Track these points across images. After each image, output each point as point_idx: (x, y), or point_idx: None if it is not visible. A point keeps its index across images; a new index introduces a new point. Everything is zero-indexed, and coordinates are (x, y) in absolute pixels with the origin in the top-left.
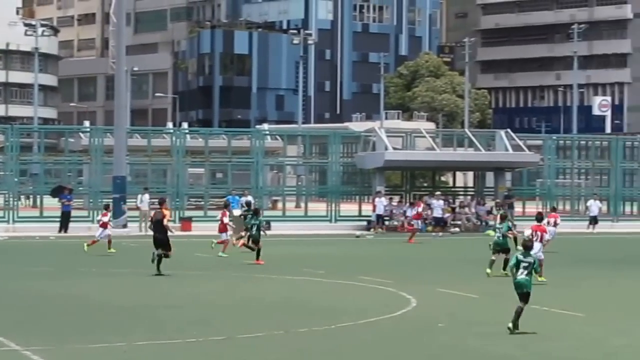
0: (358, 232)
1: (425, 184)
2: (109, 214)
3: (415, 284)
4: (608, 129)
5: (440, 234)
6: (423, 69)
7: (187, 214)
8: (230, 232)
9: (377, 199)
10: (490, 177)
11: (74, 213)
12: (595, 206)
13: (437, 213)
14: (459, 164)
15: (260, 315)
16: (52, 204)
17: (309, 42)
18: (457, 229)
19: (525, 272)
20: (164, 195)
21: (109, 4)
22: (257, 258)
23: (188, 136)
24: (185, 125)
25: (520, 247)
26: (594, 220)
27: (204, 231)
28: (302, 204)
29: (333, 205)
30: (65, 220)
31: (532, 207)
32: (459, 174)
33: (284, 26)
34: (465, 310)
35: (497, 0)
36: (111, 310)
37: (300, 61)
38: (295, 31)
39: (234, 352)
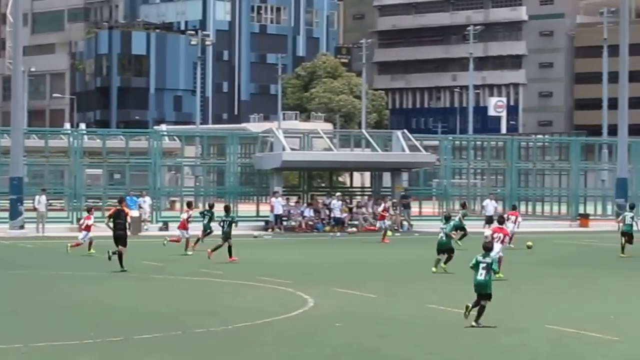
0: (256, 233)
1: (323, 185)
2: (92, 217)
3: (314, 284)
4: (503, 130)
5: (339, 233)
6: (320, 70)
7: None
8: (189, 231)
9: (274, 200)
10: (387, 177)
11: None
12: (491, 206)
13: (336, 213)
14: (356, 164)
15: (157, 316)
16: None
17: (207, 43)
18: (354, 229)
19: (484, 272)
20: (61, 195)
21: (6, 4)
22: (230, 255)
23: (86, 137)
24: (82, 126)
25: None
26: (489, 220)
27: (102, 232)
28: (200, 205)
29: (231, 205)
30: None
31: (429, 207)
32: (356, 174)
33: (182, 27)
34: (362, 310)
35: (393, 1)
36: (7, 312)
37: (198, 62)
38: (192, 32)
39: (131, 353)
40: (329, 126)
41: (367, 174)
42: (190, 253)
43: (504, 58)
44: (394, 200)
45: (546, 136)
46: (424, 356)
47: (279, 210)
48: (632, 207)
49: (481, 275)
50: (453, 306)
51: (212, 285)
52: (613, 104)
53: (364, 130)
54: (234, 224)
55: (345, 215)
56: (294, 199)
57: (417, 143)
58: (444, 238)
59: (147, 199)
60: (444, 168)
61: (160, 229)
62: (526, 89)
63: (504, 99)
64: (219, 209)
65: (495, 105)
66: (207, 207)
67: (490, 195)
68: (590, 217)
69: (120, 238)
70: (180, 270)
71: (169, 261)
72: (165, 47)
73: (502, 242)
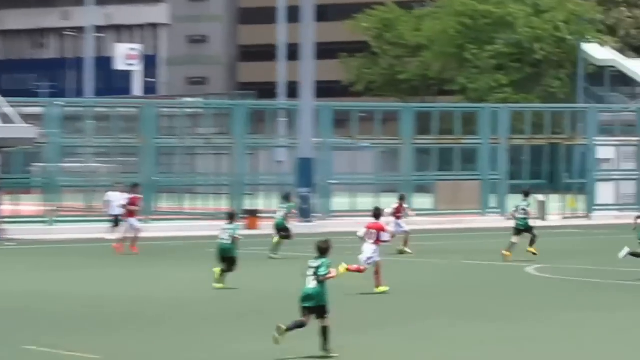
0: None
1: None
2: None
3: None
4: (137, 91)
5: None
6: None
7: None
8: None
9: None
10: None
11: None
12: (118, 201)
13: None
14: None
15: None
16: None
17: None
18: None
19: (313, 279)
20: None
21: None
22: None
23: None
24: None
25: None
26: (115, 222)
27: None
28: None
29: None
30: None
31: (27, 204)
32: None
33: None
34: None
35: None
36: None
37: None
38: None
39: None
40: None
41: None
42: None
43: None
44: None
45: (199, 99)
46: None
47: None
48: (526, 194)
49: (309, 283)
50: (62, 348)
51: None
52: (293, 52)
53: None
54: None
55: None
56: None
57: (10, 110)
58: (225, 242)
59: None
60: (51, 147)
61: None
62: (170, 32)
63: (138, 47)
64: None
65: (126, 56)
66: None
67: (118, 185)
68: (261, 215)
69: None
70: None
71: None
72: None
73: (377, 242)
